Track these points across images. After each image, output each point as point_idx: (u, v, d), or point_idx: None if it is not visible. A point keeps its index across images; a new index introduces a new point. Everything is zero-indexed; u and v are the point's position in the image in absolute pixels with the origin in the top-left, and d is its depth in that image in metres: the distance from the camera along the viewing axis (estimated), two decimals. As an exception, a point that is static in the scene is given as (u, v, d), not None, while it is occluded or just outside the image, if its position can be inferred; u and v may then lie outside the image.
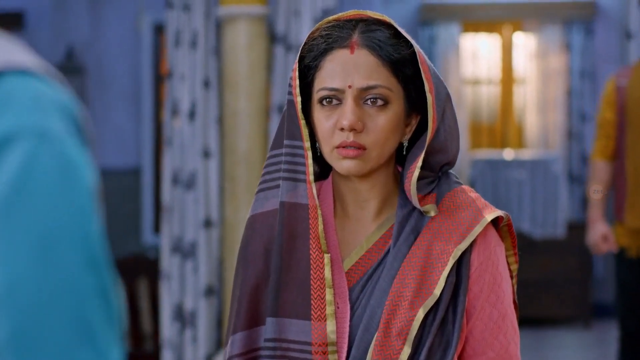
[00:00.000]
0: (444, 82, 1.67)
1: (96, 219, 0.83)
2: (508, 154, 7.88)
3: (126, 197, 7.79)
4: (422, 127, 1.68)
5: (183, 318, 5.26)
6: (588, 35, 7.79)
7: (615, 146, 4.48)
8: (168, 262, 5.25)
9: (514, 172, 7.56)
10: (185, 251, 5.23)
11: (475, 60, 8.14)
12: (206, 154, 5.21)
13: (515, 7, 7.97)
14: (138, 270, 6.18)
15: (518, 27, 8.07)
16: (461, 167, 7.69)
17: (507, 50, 8.11)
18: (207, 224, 5.22)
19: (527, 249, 6.93)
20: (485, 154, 7.85)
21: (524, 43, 8.12)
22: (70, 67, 7.64)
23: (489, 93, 8.23)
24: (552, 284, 7.38)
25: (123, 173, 7.79)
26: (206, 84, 5.21)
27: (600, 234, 4.46)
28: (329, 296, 1.63)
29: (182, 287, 5.27)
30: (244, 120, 5.00)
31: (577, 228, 7.44)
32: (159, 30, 7.54)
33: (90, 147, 0.86)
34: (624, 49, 6.50)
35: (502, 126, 8.19)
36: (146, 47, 7.74)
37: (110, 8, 7.71)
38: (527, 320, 7.08)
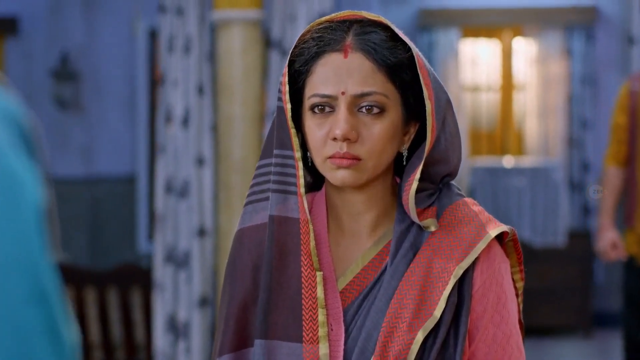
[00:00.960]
0: (444, 87, 1.56)
1: (44, 243, 0.72)
2: (508, 161, 7.79)
3: (121, 205, 7.70)
4: (422, 135, 1.58)
5: (176, 329, 5.16)
6: (589, 40, 7.70)
7: (627, 151, 4.40)
8: (161, 272, 5.15)
9: (513, 179, 7.48)
10: (179, 261, 5.13)
11: (474, 66, 8.05)
12: (200, 161, 5.12)
13: (515, 13, 7.88)
14: (131, 280, 6.08)
15: (518, 32, 7.98)
16: (460, 175, 7.60)
17: (506, 56, 8.02)
18: (201, 232, 5.12)
19: (527, 258, 6.82)
20: (485, 161, 7.77)
21: (524, 49, 8.03)
22: (65, 73, 7.57)
23: (489, 99, 8.14)
24: (553, 292, 7.30)
25: (118, 180, 7.70)
26: (200, 89, 5.11)
27: (610, 241, 4.39)
28: (321, 317, 1.52)
29: (175, 297, 5.17)
30: (238, 127, 4.90)
31: (578, 236, 7.38)
32: (154, 35, 7.45)
33: (40, 160, 0.75)
34: (627, 54, 6.42)
35: (501, 133, 8.10)
36: (141, 53, 7.65)
37: (105, 13, 7.63)
38: (527, 330, 6.98)
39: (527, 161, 7.78)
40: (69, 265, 6.20)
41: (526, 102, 7.99)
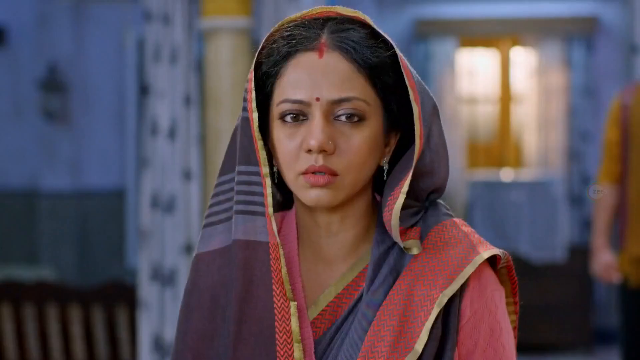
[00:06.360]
0: (429, 92, 1.38)
1: None
2: (506, 174, 7.63)
3: (110, 219, 7.53)
4: (403, 147, 1.40)
5: (162, 348, 4.99)
6: (589, 51, 7.55)
7: (620, 168, 4.23)
8: (147, 290, 4.97)
9: (512, 193, 7.31)
10: (165, 278, 4.95)
11: (472, 77, 7.88)
12: (187, 175, 4.94)
13: (513, 23, 7.73)
14: (117, 297, 5.90)
15: (517, 42, 7.82)
16: (458, 189, 7.44)
17: (505, 67, 7.86)
18: (188, 249, 4.94)
19: (526, 274, 6.70)
20: (483, 175, 7.61)
21: (523, 59, 7.87)
22: (52, 84, 7.42)
23: (486, 111, 7.96)
24: (552, 309, 7.19)
25: (107, 194, 7.54)
26: (187, 100, 4.94)
27: (604, 264, 4.22)
28: (297, 353, 1.33)
29: (161, 316, 4.99)
30: (226, 139, 4.72)
31: (578, 252, 7.25)
32: (143, 45, 7.30)
33: None
34: (630, 64, 6.26)
35: (499, 146, 7.93)
36: (130, 63, 7.48)
37: (93, 23, 7.48)
38: (527, 347, 6.84)
39: (526, 174, 7.63)
40: (54, 283, 6.04)
41: (525, 114, 7.83)
